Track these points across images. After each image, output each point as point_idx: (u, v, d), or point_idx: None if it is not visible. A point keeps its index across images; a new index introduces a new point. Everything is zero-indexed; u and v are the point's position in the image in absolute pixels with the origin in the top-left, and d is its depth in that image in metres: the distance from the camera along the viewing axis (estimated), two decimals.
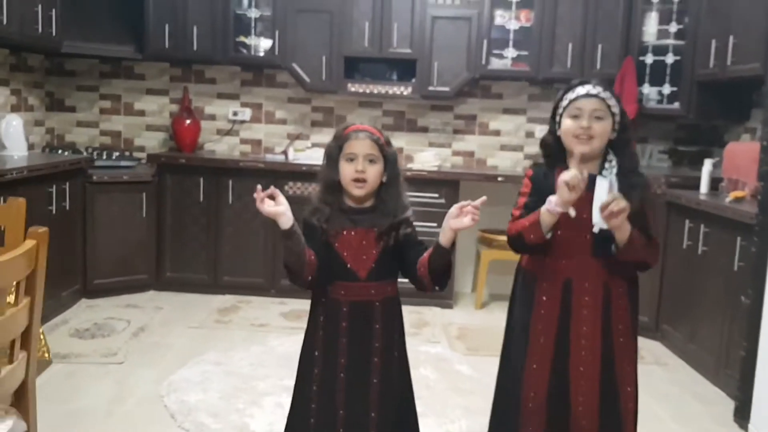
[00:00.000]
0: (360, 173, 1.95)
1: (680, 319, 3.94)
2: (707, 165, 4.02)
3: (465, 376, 3.56)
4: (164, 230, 4.79)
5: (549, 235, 2.01)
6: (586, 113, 1.99)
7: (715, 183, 4.00)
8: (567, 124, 2.02)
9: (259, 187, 1.85)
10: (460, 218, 1.84)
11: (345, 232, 1.99)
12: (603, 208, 1.87)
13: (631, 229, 1.94)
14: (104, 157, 4.73)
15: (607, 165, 2.02)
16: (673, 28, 4.40)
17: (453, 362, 3.73)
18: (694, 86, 4.29)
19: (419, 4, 4.74)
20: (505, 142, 5.15)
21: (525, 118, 5.12)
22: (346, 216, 2.00)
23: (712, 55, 3.99)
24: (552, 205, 1.94)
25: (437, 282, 1.96)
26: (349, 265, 1.98)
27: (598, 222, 1.96)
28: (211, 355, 3.67)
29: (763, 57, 3.47)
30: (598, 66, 4.63)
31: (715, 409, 3.27)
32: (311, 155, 5.01)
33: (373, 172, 1.97)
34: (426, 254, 1.93)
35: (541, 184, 2.07)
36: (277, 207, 1.85)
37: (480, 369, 3.61)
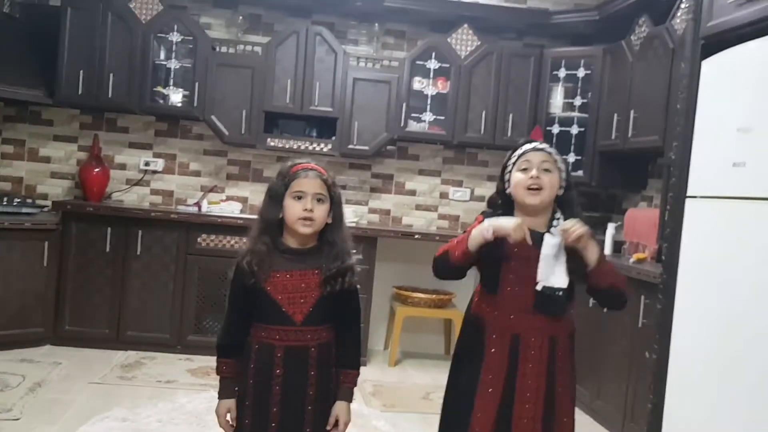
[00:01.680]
0: (309, 212, 1.93)
1: (587, 376, 4.08)
2: (610, 229, 4.28)
3: None
4: (65, 281, 4.54)
5: (466, 267, 2.08)
6: (534, 165, 2.07)
7: (617, 246, 4.25)
8: (517, 177, 2.08)
9: None
10: None
11: (279, 275, 1.95)
12: (565, 231, 1.96)
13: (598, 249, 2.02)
14: (4, 202, 4.47)
15: (554, 222, 2.09)
16: (578, 101, 4.72)
17: (370, 418, 3.69)
18: (597, 156, 4.59)
19: (341, 65, 4.87)
20: (420, 202, 5.28)
21: (440, 180, 5.29)
22: (283, 257, 1.96)
23: (614, 128, 4.30)
24: (486, 226, 2.00)
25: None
26: (284, 309, 1.94)
27: (543, 279, 2.02)
28: (117, 412, 3.46)
29: (661, 130, 3.77)
30: (509, 134, 4.89)
31: None
32: (225, 208, 4.96)
33: (321, 212, 1.96)
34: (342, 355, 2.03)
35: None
36: None
37: (397, 425, 3.60)
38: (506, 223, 1.99)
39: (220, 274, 4.55)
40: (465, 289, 5.02)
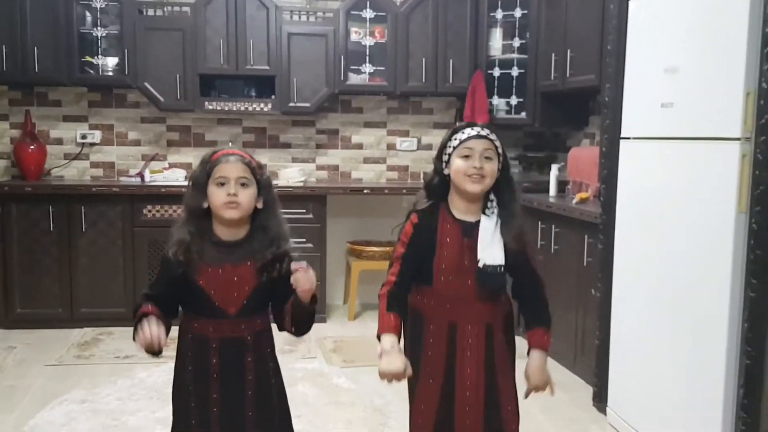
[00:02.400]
0: (232, 196, 1.89)
1: None
2: (554, 170, 4.33)
3: (344, 390, 3.59)
4: (11, 264, 4.45)
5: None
6: (477, 153, 2.02)
7: (561, 186, 4.31)
8: (458, 164, 2.04)
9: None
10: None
11: (210, 269, 1.91)
12: (528, 394, 2.09)
13: (536, 349, 2.08)
14: None
15: (489, 204, 2.08)
16: (517, 43, 4.69)
17: (331, 376, 3.75)
18: (538, 97, 4.60)
19: (274, 21, 4.74)
20: (368, 155, 5.26)
21: (386, 131, 5.25)
22: (214, 249, 1.93)
23: (553, 68, 4.30)
24: (379, 352, 1.98)
25: (297, 331, 1.99)
26: (217, 303, 1.92)
27: (483, 257, 2.01)
28: (75, 394, 3.46)
29: (597, 69, 3.78)
30: (451, 80, 4.85)
31: (576, 395, 3.51)
32: (169, 176, 4.88)
33: (246, 196, 1.91)
34: (288, 303, 1.94)
35: (423, 232, 2.08)
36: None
37: (358, 380, 3.66)
38: (387, 370, 1.96)
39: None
40: None
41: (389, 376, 1.94)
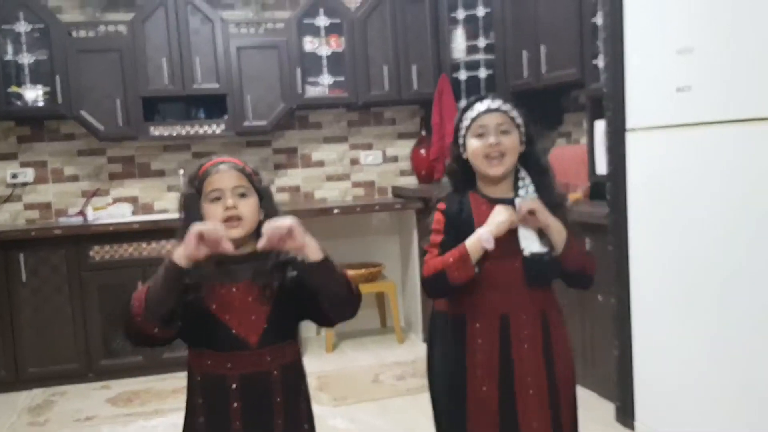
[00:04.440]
0: (231, 210, 1.58)
1: None
2: None
3: (342, 431, 3.23)
4: None
5: (477, 269, 1.81)
6: (491, 129, 1.82)
7: None
8: (474, 144, 1.83)
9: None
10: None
11: (223, 291, 1.59)
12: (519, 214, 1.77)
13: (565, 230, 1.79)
14: None
15: (521, 183, 1.85)
16: (482, 42, 4.46)
17: (325, 418, 3.37)
18: (510, 98, 4.33)
19: (220, 35, 4.37)
20: (331, 173, 4.92)
21: (347, 146, 4.93)
22: (221, 269, 1.59)
23: (525, 66, 4.08)
24: (485, 236, 1.75)
25: (336, 312, 1.63)
26: (234, 331, 1.59)
27: (527, 246, 1.80)
28: None
29: (578, 61, 3.57)
30: (415, 86, 4.59)
31: (595, 413, 3.25)
32: (114, 212, 4.45)
33: (248, 207, 1.61)
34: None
35: (456, 218, 1.85)
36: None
37: (356, 419, 3.32)
38: (501, 220, 1.77)
39: (124, 287, 4.06)
40: (393, 257, 4.79)
41: (505, 221, 1.76)
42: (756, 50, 2.20)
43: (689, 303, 2.57)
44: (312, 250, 1.53)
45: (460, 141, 1.90)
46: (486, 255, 1.79)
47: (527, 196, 1.84)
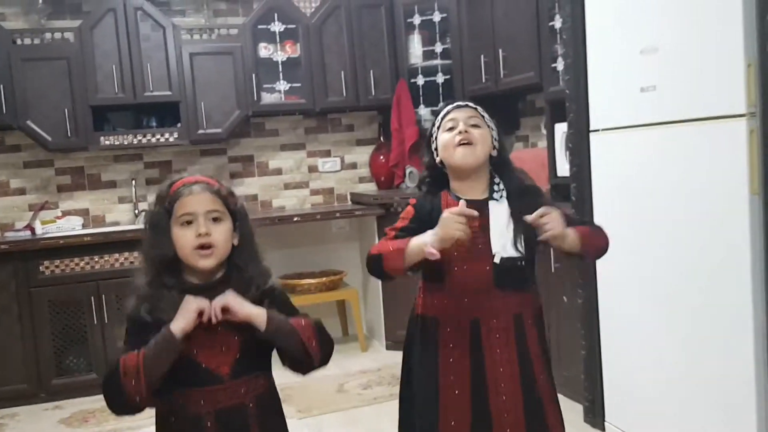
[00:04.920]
0: (204, 237, 1.49)
1: None
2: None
3: None
4: None
5: (409, 273, 1.79)
6: (461, 121, 1.82)
7: None
8: (444, 137, 1.83)
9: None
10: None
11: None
12: (535, 224, 1.67)
13: (572, 228, 1.74)
14: None
15: (495, 188, 1.83)
16: (439, 48, 4.46)
17: (291, 430, 3.29)
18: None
19: (172, 41, 4.26)
20: (288, 180, 4.84)
21: (305, 153, 4.86)
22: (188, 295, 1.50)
23: (483, 70, 4.09)
24: (429, 241, 1.67)
25: (294, 366, 1.58)
26: (204, 365, 1.50)
27: (498, 251, 1.76)
28: None
29: (536, 65, 3.59)
30: (373, 92, 4.56)
31: (563, 415, 3.25)
32: (64, 226, 4.29)
33: (221, 234, 1.51)
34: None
35: (426, 214, 1.82)
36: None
37: (322, 430, 3.25)
38: (447, 229, 1.65)
39: (75, 303, 3.94)
40: (354, 264, 4.72)
41: (452, 231, 1.65)
42: (720, 48, 2.23)
43: (656, 302, 2.59)
44: (256, 319, 1.48)
45: (434, 146, 1.88)
46: (457, 258, 1.77)
47: (502, 201, 1.82)
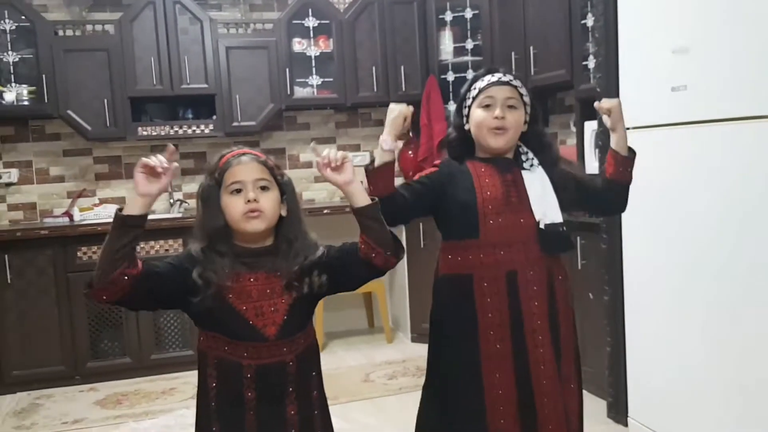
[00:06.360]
0: (253, 202, 1.56)
1: None
2: None
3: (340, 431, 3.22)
4: None
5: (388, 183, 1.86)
6: (498, 102, 1.84)
7: None
8: (479, 115, 1.85)
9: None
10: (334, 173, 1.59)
11: (241, 280, 1.58)
12: (599, 108, 1.91)
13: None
14: None
15: (524, 158, 1.87)
16: (470, 44, 4.50)
17: None
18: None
19: (209, 35, 4.36)
20: (319, 174, 4.89)
21: (336, 146, 4.92)
22: (240, 260, 1.59)
23: (513, 67, 4.12)
24: (383, 137, 1.82)
25: (388, 246, 1.59)
26: (251, 322, 1.57)
27: (541, 218, 1.82)
28: None
29: (567, 63, 3.62)
30: (404, 87, 4.61)
31: (587, 410, 3.23)
32: (101, 213, 4.38)
33: (269, 201, 1.59)
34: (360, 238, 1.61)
35: (448, 174, 1.89)
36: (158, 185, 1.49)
37: (350, 419, 3.32)
38: (397, 118, 1.81)
39: None
40: None
41: (397, 115, 1.81)
42: (751, 48, 2.24)
43: (682, 300, 2.61)
44: (360, 192, 1.58)
45: (465, 111, 1.90)
46: (489, 210, 1.82)
47: (536, 171, 1.87)
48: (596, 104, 1.94)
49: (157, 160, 1.48)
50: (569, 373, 1.91)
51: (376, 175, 1.80)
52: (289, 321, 1.60)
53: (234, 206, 1.57)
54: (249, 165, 1.60)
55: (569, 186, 1.89)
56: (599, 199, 2.03)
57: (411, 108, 1.83)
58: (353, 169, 1.59)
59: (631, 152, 2.00)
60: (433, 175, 1.90)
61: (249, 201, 1.56)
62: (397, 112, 1.79)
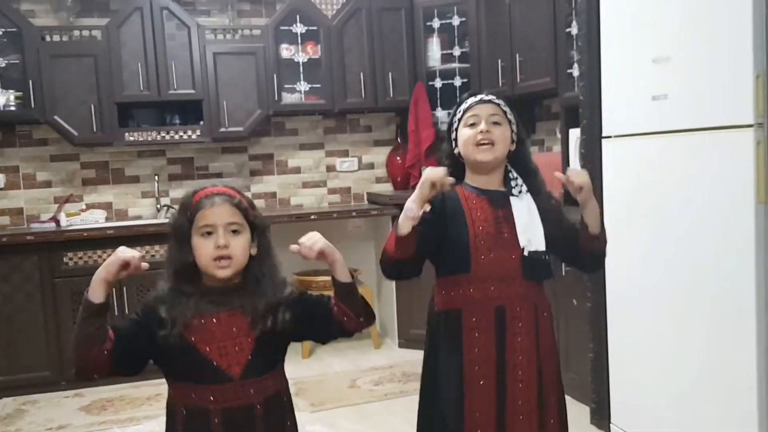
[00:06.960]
0: (222, 249, 1.55)
1: None
2: None
3: None
4: None
5: (414, 249, 1.78)
6: (483, 118, 1.85)
7: None
8: (465, 133, 1.87)
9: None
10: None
11: (203, 320, 1.55)
12: (567, 182, 1.81)
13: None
14: None
15: (513, 183, 1.89)
16: (457, 51, 4.53)
17: (303, 424, 3.32)
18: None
19: (197, 40, 4.36)
20: (307, 179, 4.93)
21: (324, 152, 4.95)
22: (203, 300, 1.57)
23: (500, 75, 4.15)
24: (407, 205, 1.74)
25: (360, 314, 1.61)
26: (215, 363, 1.55)
27: (526, 245, 1.82)
28: None
29: (552, 71, 3.64)
30: (391, 94, 4.63)
31: (570, 416, 3.29)
32: (88, 218, 4.38)
33: (239, 246, 1.57)
34: (332, 299, 1.62)
35: (442, 207, 1.86)
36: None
37: (335, 425, 3.32)
38: (424, 184, 1.73)
39: None
40: (369, 263, 4.79)
41: (428, 183, 1.72)
42: (730, 59, 2.27)
43: (663, 307, 2.63)
44: (340, 269, 1.58)
45: (453, 135, 1.93)
46: (481, 245, 1.82)
47: (524, 197, 1.87)
48: (560, 176, 1.83)
49: (138, 262, 1.49)
50: (551, 404, 1.91)
51: (399, 241, 1.77)
52: (255, 360, 1.58)
53: (204, 249, 1.56)
54: (221, 208, 1.57)
55: (557, 235, 1.89)
56: (576, 263, 2.09)
57: (440, 171, 1.73)
58: (329, 247, 1.59)
59: (602, 228, 1.97)
60: (426, 215, 1.87)
61: (219, 246, 1.55)
62: (424, 177, 1.73)
